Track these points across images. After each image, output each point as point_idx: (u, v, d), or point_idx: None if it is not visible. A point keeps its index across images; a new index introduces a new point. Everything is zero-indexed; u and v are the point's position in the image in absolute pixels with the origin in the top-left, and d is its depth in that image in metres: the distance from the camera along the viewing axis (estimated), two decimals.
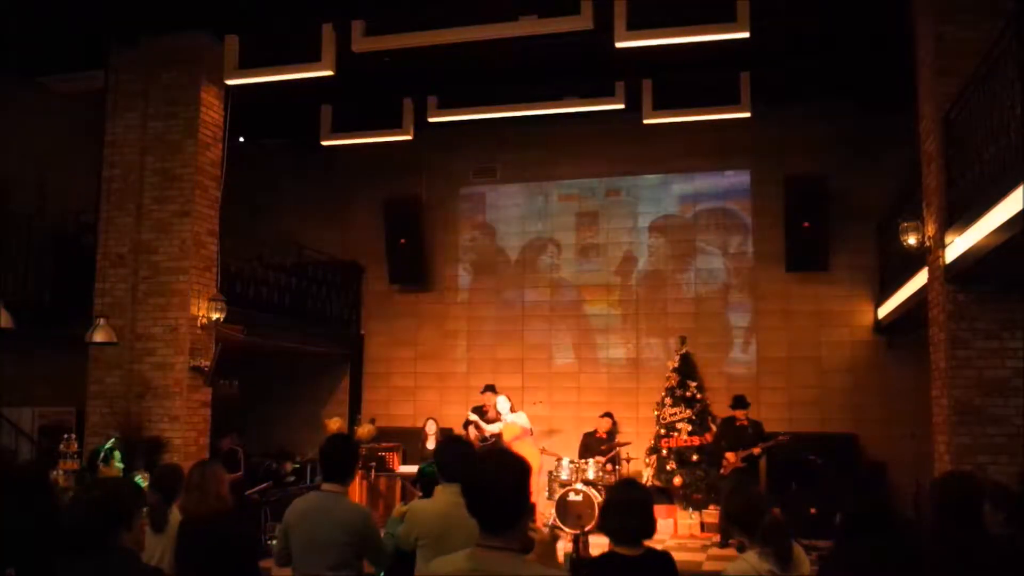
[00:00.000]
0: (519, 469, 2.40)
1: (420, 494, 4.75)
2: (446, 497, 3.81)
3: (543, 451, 10.07)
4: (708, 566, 8.42)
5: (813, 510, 9.02)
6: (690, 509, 10.65)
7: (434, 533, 3.72)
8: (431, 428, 10.91)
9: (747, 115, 9.82)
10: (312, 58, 8.57)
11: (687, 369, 11.11)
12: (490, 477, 2.37)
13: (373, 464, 9.80)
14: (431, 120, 10.64)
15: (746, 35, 7.87)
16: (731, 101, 9.80)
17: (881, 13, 8.09)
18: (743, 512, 3.39)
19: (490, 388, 10.82)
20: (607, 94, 10.16)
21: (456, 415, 11.50)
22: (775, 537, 3.31)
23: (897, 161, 10.11)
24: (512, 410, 10.29)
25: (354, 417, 11.83)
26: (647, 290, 11.98)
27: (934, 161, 6.90)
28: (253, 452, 11.19)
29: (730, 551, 8.41)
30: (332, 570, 3.75)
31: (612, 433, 10.81)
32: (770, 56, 9.34)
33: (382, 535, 4.03)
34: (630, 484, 3.62)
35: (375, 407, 12.52)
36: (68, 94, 10.31)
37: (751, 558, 3.34)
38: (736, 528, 3.47)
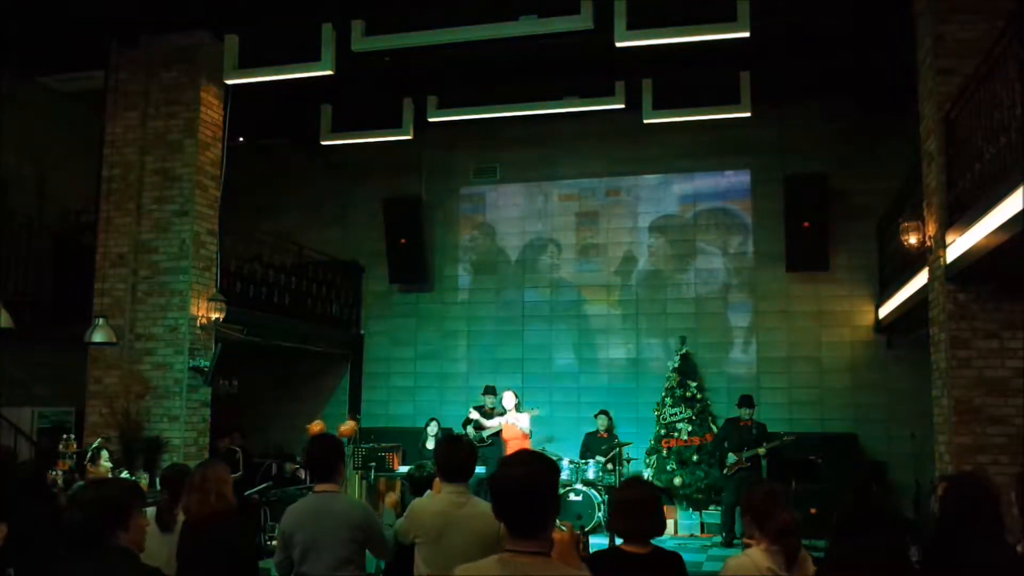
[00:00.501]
0: (549, 471, 2.35)
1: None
2: (446, 496, 3.81)
3: (542, 452, 10.07)
4: (708, 566, 8.42)
5: (813, 510, 9.02)
6: (690, 509, 10.64)
7: (433, 532, 3.72)
8: (431, 428, 10.91)
9: (747, 115, 9.82)
10: (312, 58, 8.57)
11: (687, 369, 11.11)
12: (520, 480, 2.31)
13: (373, 464, 9.77)
14: (431, 120, 10.64)
15: (746, 35, 7.87)
16: (731, 101, 9.80)
17: (881, 13, 8.09)
18: (761, 505, 3.38)
19: (490, 390, 10.81)
20: (607, 94, 10.15)
21: (456, 415, 11.48)
22: (786, 537, 3.30)
23: (897, 161, 10.11)
24: (517, 408, 10.26)
25: (354, 417, 11.82)
26: (647, 290, 11.97)
27: (934, 161, 6.90)
28: (253, 452, 11.19)
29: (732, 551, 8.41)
30: (336, 569, 3.75)
31: (611, 431, 10.82)
32: (770, 56, 9.34)
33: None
34: (638, 482, 3.60)
35: (375, 407, 12.52)
36: (68, 94, 10.32)
37: (754, 554, 3.33)
38: (749, 521, 3.45)
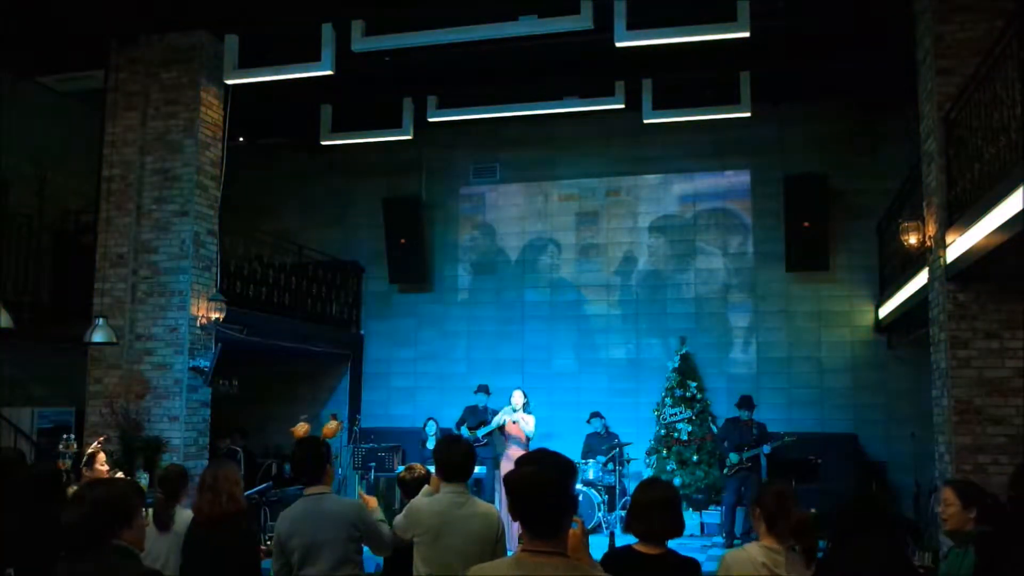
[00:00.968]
0: (564, 472, 2.35)
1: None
2: (445, 496, 3.81)
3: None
4: (709, 566, 8.40)
5: (813, 510, 9.01)
6: (690, 509, 10.64)
7: (431, 531, 3.72)
8: (431, 428, 10.91)
9: (747, 115, 9.82)
10: (312, 58, 8.57)
11: (687, 369, 11.11)
12: (535, 480, 2.30)
13: (373, 464, 9.79)
14: (431, 120, 10.63)
15: (746, 35, 7.87)
16: (731, 101, 9.80)
17: (881, 13, 8.09)
18: (773, 505, 3.37)
19: (482, 388, 10.79)
20: (607, 94, 10.15)
21: (456, 415, 11.48)
22: (803, 536, 3.30)
23: (897, 161, 10.12)
24: (525, 408, 10.17)
25: (355, 417, 11.82)
26: (647, 290, 11.98)
27: (934, 161, 6.90)
28: (253, 452, 11.20)
29: None
30: (335, 569, 3.75)
31: (610, 431, 10.82)
32: (770, 56, 9.33)
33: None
34: (657, 483, 3.55)
35: (375, 407, 12.52)
36: (68, 94, 10.32)
37: (752, 548, 3.34)
38: (758, 519, 3.44)
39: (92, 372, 8.75)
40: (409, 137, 10.71)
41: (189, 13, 8.62)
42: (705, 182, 11.92)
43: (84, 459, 5.30)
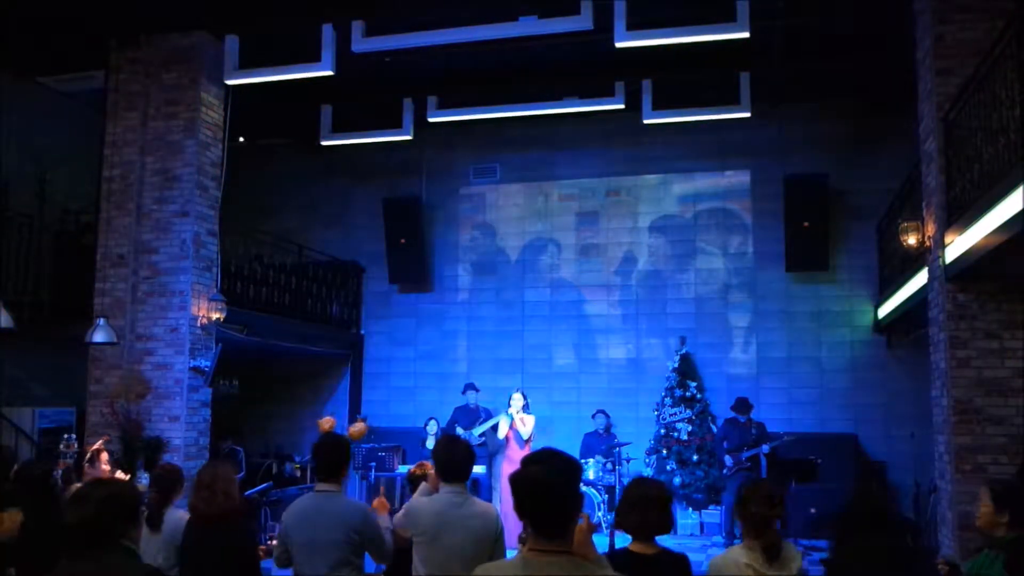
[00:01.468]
0: (570, 470, 2.35)
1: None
2: (444, 496, 3.81)
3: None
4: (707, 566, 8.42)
5: (813, 510, 9.03)
6: (690, 509, 10.64)
7: (430, 531, 3.73)
8: (431, 428, 10.91)
9: (747, 115, 9.82)
10: (312, 58, 8.58)
11: (687, 369, 11.11)
12: (541, 479, 2.30)
13: (373, 464, 9.79)
14: (431, 120, 10.64)
15: (746, 35, 7.88)
16: (731, 101, 9.81)
17: (881, 13, 8.10)
18: (741, 500, 3.41)
19: (471, 387, 10.78)
20: (607, 94, 10.16)
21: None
22: (759, 530, 3.32)
23: (897, 161, 10.11)
24: (524, 410, 10.16)
25: (354, 417, 11.83)
26: (647, 290, 11.98)
27: (934, 161, 6.90)
28: (253, 452, 11.21)
29: None
30: (333, 569, 3.75)
31: (610, 431, 10.82)
32: (770, 56, 9.34)
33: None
34: (648, 480, 3.62)
35: (375, 407, 12.52)
36: (68, 94, 10.32)
37: (734, 551, 3.38)
38: (738, 518, 3.48)
39: (92, 372, 8.76)
40: (409, 137, 10.72)
41: (189, 13, 8.63)
42: (705, 182, 11.92)
43: (88, 456, 5.29)
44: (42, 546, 3.69)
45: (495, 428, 10.58)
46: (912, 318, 8.72)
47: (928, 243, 7.10)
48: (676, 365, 11.13)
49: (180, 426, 8.50)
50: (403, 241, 12.28)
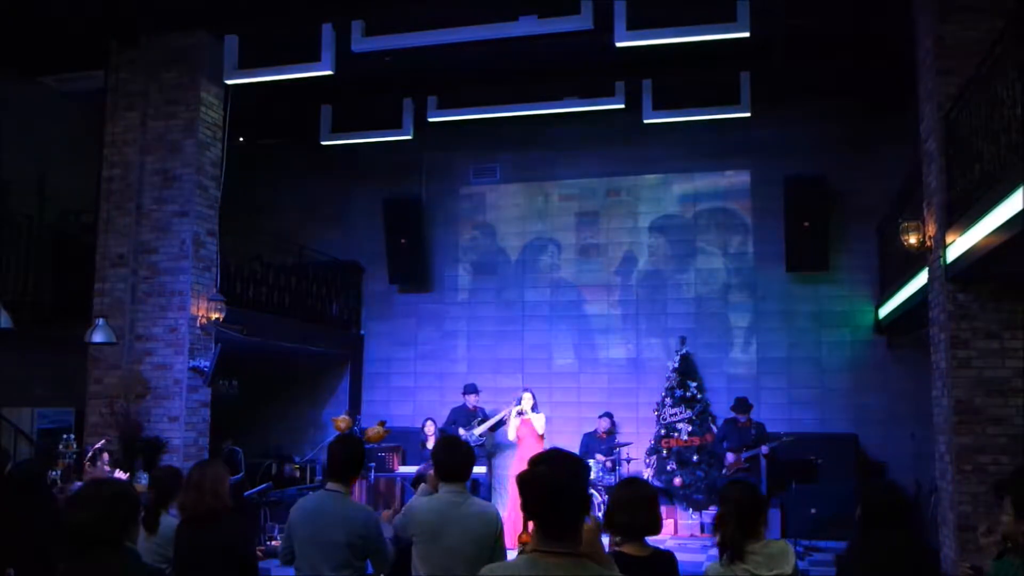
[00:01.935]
0: (578, 472, 2.33)
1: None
2: (444, 496, 3.81)
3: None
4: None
5: (813, 510, 9.02)
6: (690, 510, 10.64)
7: (430, 531, 3.72)
8: (430, 428, 10.90)
9: (747, 115, 9.82)
10: (312, 58, 8.58)
11: (687, 369, 11.10)
12: (548, 480, 2.28)
13: (373, 465, 9.78)
14: (431, 120, 10.64)
15: (746, 35, 7.87)
16: (731, 101, 9.81)
17: (881, 13, 8.09)
18: (736, 510, 3.39)
19: (471, 388, 10.77)
20: (607, 94, 10.16)
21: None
22: (718, 527, 3.32)
23: (897, 161, 10.11)
24: (533, 409, 10.20)
25: (355, 417, 11.81)
26: (647, 290, 11.97)
27: (934, 161, 6.90)
28: (252, 453, 11.20)
29: None
30: (334, 570, 3.75)
31: (612, 433, 10.82)
32: (770, 56, 9.34)
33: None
34: (636, 481, 3.62)
35: (375, 407, 12.51)
36: (68, 94, 10.31)
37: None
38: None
39: (92, 372, 8.75)
40: (409, 137, 10.72)
41: (189, 13, 8.63)
42: (705, 182, 11.92)
43: (90, 455, 5.28)
44: (38, 546, 3.68)
45: (494, 428, 10.61)
46: (912, 318, 8.71)
47: (929, 243, 7.09)
48: (676, 365, 11.12)
49: (179, 426, 8.50)
50: (403, 241, 12.27)
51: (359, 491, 10.08)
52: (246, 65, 8.97)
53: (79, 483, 5.67)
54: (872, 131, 11.00)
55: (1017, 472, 3.95)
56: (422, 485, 4.30)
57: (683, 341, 11.30)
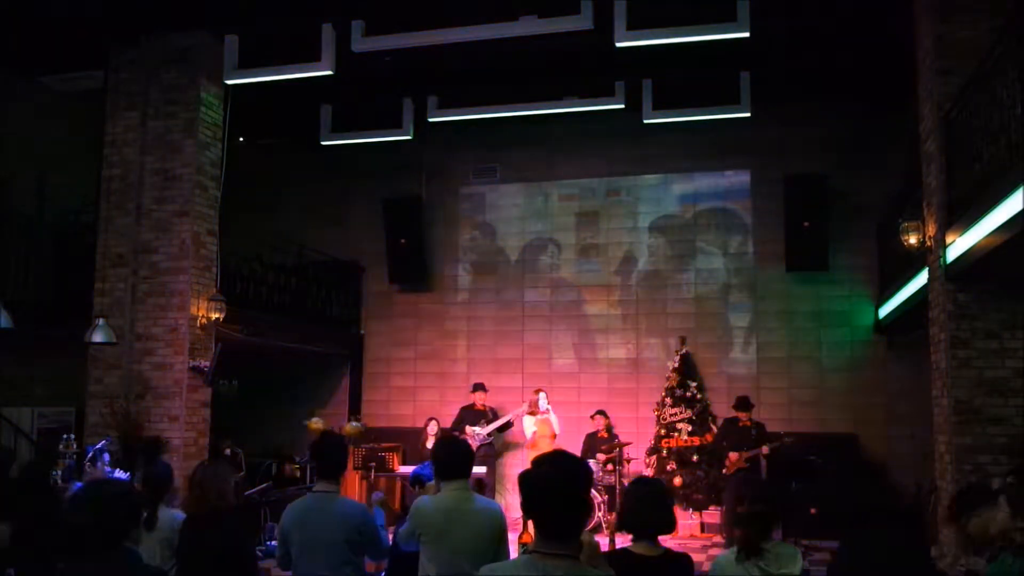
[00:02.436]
0: (580, 474, 2.33)
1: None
2: (450, 493, 3.81)
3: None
4: (709, 567, 8.41)
5: (813, 510, 9.01)
6: (690, 510, 10.63)
7: (436, 528, 3.72)
8: (431, 428, 10.91)
9: (747, 115, 9.81)
10: (312, 58, 8.57)
11: (687, 369, 11.10)
12: (550, 481, 2.28)
13: (373, 464, 9.78)
14: (431, 120, 10.64)
15: (746, 35, 7.87)
16: (731, 101, 9.80)
17: (881, 13, 8.09)
18: (729, 500, 3.43)
19: (479, 387, 10.81)
20: (607, 94, 10.15)
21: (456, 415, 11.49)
22: (736, 525, 3.33)
23: (897, 161, 10.11)
24: (547, 411, 10.33)
25: (354, 417, 11.82)
26: (647, 290, 11.98)
27: (934, 161, 6.90)
28: (253, 452, 11.19)
29: None
30: (333, 569, 3.75)
31: (611, 431, 10.82)
32: (770, 56, 9.34)
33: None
34: (647, 480, 3.63)
35: (375, 407, 12.52)
36: (68, 94, 10.31)
37: (735, 551, 3.37)
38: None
39: (92, 372, 8.75)
40: (409, 137, 10.71)
41: (189, 13, 8.62)
42: (705, 182, 11.92)
43: (91, 455, 5.28)
44: (38, 547, 3.69)
45: (502, 429, 10.68)
46: (912, 318, 8.71)
47: (929, 243, 7.09)
48: (676, 365, 11.12)
49: (179, 426, 8.50)
50: (403, 241, 12.28)
51: (360, 492, 10.08)
52: (246, 65, 8.97)
53: (79, 483, 5.67)
54: (872, 131, 11.00)
55: (1014, 471, 3.96)
56: (429, 483, 4.28)
57: (683, 341, 11.31)
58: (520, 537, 5.31)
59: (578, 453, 10.54)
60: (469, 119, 10.82)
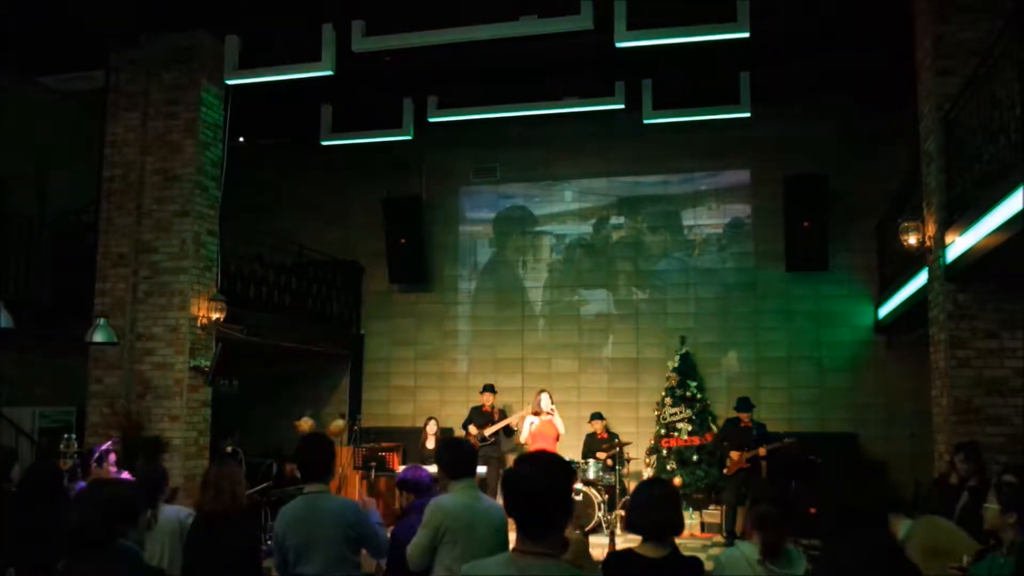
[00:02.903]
0: (561, 474, 2.33)
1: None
2: (464, 491, 3.82)
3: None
4: (709, 566, 8.41)
5: (813, 510, 9.00)
6: (690, 509, 10.63)
7: (464, 523, 3.71)
8: (431, 428, 10.92)
9: (747, 115, 9.82)
10: (312, 58, 8.57)
11: (687, 369, 11.11)
12: (531, 480, 2.29)
13: (373, 464, 9.78)
14: (431, 120, 10.64)
15: (746, 35, 7.87)
16: (731, 101, 9.80)
17: (881, 13, 8.09)
18: (750, 499, 3.40)
19: (489, 388, 10.85)
20: (607, 94, 10.15)
21: (456, 415, 11.50)
22: (761, 526, 3.30)
23: (897, 161, 10.11)
24: (551, 411, 10.35)
25: (355, 417, 11.83)
26: (647, 290, 11.98)
27: (934, 161, 6.91)
28: (253, 452, 11.19)
29: None
30: (331, 568, 3.76)
31: (610, 432, 10.82)
32: (770, 56, 9.34)
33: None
34: (654, 481, 3.61)
35: (375, 407, 12.53)
36: (68, 94, 10.32)
37: (744, 547, 3.33)
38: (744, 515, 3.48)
39: (93, 372, 8.76)
40: (409, 137, 10.71)
41: (189, 13, 8.63)
42: (705, 182, 11.92)
43: (97, 456, 5.26)
44: (38, 547, 3.69)
45: (508, 433, 10.71)
46: (912, 318, 8.71)
47: (928, 243, 7.10)
48: (676, 365, 11.13)
49: (180, 426, 8.51)
50: (403, 241, 12.28)
51: (359, 491, 10.08)
52: (246, 65, 8.97)
53: (82, 483, 5.68)
54: (872, 131, 11.00)
55: (1008, 467, 3.94)
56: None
57: (683, 341, 11.31)
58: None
59: (578, 453, 10.55)
60: (469, 119, 10.81)
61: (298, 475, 10.66)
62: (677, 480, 10.50)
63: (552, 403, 10.34)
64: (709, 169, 11.86)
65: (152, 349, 8.69)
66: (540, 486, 2.27)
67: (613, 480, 10.05)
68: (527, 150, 12.40)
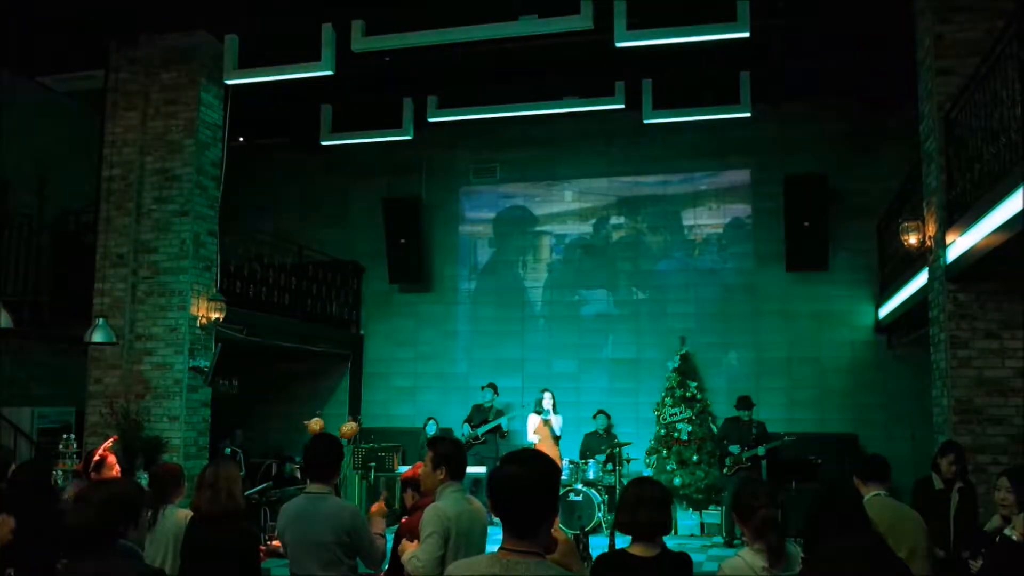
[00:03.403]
0: (549, 472, 2.33)
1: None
2: (456, 495, 3.76)
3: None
4: (709, 566, 8.41)
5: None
6: (690, 509, 10.64)
7: (466, 529, 3.65)
8: (430, 427, 10.92)
9: (747, 115, 9.82)
10: (312, 58, 8.57)
11: (687, 369, 11.10)
12: (516, 479, 2.29)
13: (373, 464, 9.78)
14: (431, 120, 10.63)
15: (746, 35, 7.86)
16: (731, 101, 9.80)
17: (881, 13, 8.09)
18: (742, 502, 3.36)
19: (491, 387, 10.87)
20: (607, 93, 10.15)
21: (456, 415, 11.50)
22: (764, 532, 3.28)
23: (897, 161, 10.11)
24: (554, 409, 10.38)
25: (355, 419, 11.82)
26: (647, 290, 11.98)
27: (934, 161, 6.90)
28: (253, 452, 11.20)
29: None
30: (324, 569, 3.75)
31: (611, 431, 10.83)
32: (770, 56, 9.34)
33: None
34: (648, 480, 3.59)
35: (375, 407, 12.52)
36: (68, 94, 10.32)
37: (747, 554, 3.30)
38: (736, 519, 3.44)
39: (92, 372, 8.75)
40: (409, 137, 10.71)
41: (189, 13, 8.62)
42: (705, 182, 11.92)
43: (93, 464, 5.22)
44: (40, 548, 3.69)
45: (497, 429, 10.71)
46: (912, 318, 8.71)
47: (929, 243, 7.10)
48: (676, 365, 11.12)
49: (180, 426, 8.50)
50: (403, 241, 12.28)
51: (360, 492, 10.08)
52: (246, 65, 8.97)
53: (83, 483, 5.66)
54: (872, 131, 11.01)
55: (1005, 473, 3.94)
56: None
57: (683, 341, 11.30)
58: None
59: (577, 453, 10.55)
60: (469, 119, 10.81)
61: (298, 475, 10.64)
62: (677, 480, 10.49)
63: (552, 404, 10.37)
64: (709, 169, 11.86)
65: (151, 349, 8.68)
66: (522, 484, 2.28)
67: (613, 480, 10.05)
68: (527, 150, 12.40)
